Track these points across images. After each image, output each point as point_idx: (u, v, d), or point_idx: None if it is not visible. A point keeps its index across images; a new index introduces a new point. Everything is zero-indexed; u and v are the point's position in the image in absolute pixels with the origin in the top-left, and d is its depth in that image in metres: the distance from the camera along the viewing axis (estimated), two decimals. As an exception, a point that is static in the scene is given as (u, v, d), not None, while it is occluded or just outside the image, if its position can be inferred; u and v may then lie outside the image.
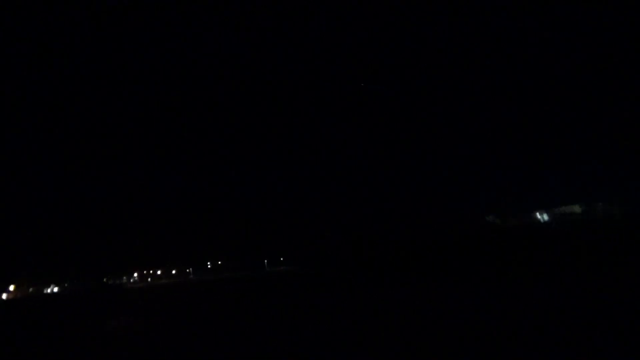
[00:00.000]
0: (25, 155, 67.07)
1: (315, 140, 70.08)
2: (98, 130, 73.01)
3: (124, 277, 67.82)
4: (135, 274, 68.49)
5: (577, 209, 33.51)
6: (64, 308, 24.96)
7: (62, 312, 21.60)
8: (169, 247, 65.30)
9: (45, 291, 60.50)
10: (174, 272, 66.80)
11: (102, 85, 68.74)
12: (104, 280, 63.34)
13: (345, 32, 60.19)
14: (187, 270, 67.14)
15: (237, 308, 14.40)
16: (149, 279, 66.88)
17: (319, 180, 67.36)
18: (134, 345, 9.07)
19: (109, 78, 67.53)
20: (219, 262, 66.89)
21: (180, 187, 73.78)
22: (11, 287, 55.94)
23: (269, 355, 7.02)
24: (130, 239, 64.48)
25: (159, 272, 67.36)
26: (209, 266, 66.65)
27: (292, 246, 56.99)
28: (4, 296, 54.17)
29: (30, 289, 58.78)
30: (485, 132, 50.74)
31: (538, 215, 35.97)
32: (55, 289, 61.42)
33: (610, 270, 14.36)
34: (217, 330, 10.06)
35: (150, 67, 69.18)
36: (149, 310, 17.26)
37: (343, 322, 9.24)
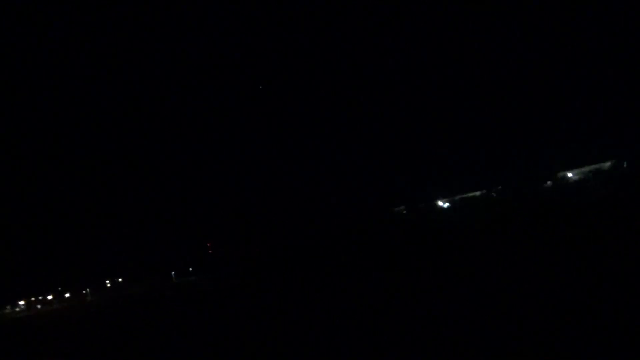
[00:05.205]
0: None
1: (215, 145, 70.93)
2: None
3: (8, 307, 63.26)
4: (22, 302, 64.17)
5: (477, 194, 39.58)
6: None
7: None
8: (60, 268, 62.31)
9: None
10: (67, 295, 64.02)
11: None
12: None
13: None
14: (84, 292, 64.91)
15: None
16: (39, 306, 63.21)
17: (227, 187, 67.40)
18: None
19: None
20: (120, 280, 65.78)
21: (73, 196, 69.35)
22: None
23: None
24: (12, 262, 60.05)
25: (49, 297, 63.95)
26: (108, 285, 65.26)
27: (200, 255, 58.34)
28: None
29: None
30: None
31: (440, 203, 41.35)
32: None
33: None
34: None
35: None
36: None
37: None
